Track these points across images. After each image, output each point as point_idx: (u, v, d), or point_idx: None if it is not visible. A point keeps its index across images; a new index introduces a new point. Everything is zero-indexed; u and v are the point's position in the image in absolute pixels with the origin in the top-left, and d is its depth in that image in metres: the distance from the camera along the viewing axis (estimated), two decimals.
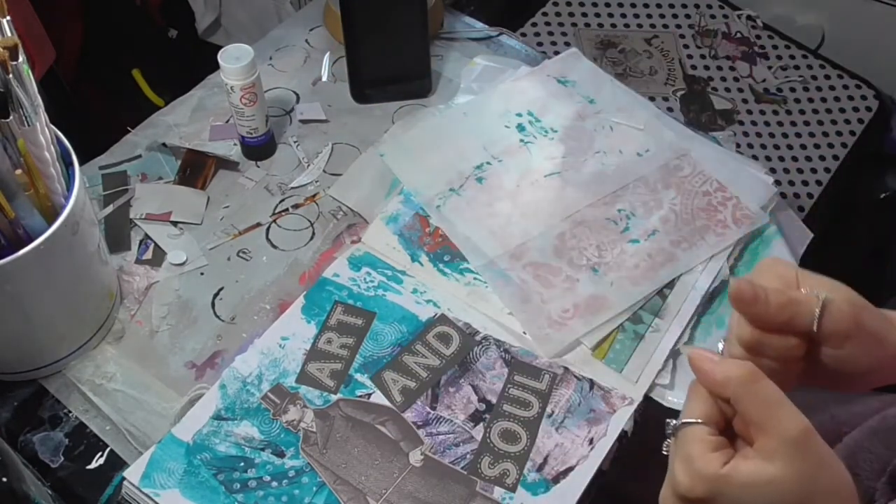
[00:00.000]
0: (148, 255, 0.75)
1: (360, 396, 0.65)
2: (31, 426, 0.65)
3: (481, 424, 0.65)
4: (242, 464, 0.61)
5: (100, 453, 0.64)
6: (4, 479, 0.50)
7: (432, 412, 0.65)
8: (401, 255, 0.74)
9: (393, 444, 0.63)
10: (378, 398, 0.65)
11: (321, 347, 0.68)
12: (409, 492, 0.61)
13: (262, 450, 0.62)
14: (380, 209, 0.77)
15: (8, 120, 0.55)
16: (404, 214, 0.76)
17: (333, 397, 0.65)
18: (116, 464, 0.64)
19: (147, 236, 0.76)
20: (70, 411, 0.66)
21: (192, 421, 0.63)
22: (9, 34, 0.55)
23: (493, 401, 0.66)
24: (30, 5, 1.03)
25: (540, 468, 0.63)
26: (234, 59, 0.75)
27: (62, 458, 0.64)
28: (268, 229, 0.78)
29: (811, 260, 0.79)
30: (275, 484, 0.61)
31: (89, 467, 0.64)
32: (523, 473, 0.62)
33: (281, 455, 0.62)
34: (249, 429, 0.63)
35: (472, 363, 0.68)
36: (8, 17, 0.56)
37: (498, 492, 0.61)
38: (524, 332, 0.69)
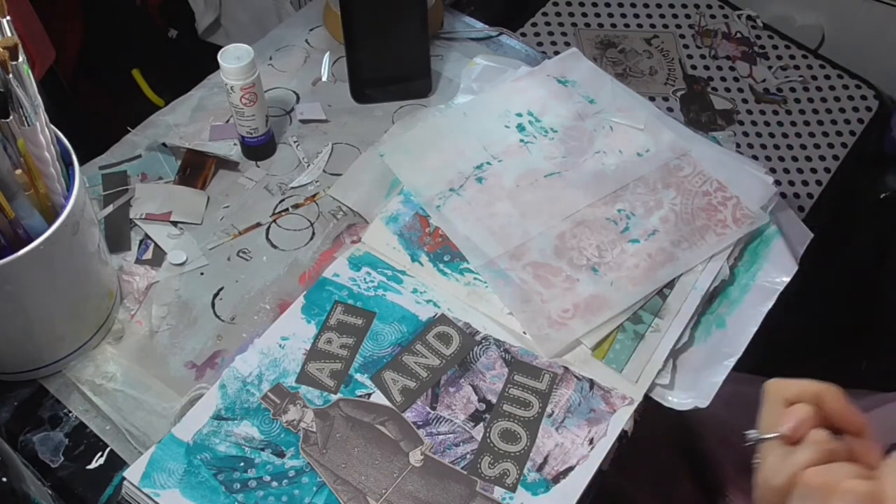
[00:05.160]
0: (148, 255, 0.75)
1: (360, 396, 0.65)
2: (31, 426, 0.65)
3: (481, 424, 0.65)
4: (242, 464, 0.61)
5: (100, 453, 0.64)
6: (4, 479, 0.50)
7: (432, 412, 0.65)
8: (401, 255, 0.74)
9: (393, 443, 0.63)
10: (378, 398, 0.65)
11: (321, 347, 0.68)
12: (409, 492, 0.61)
13: (262, 450, 0.62)
14: (380, 209, 0.77)
15: (8, 120, 0.55)
16: (404, 214, 0.76)
17: (333, 397, 0.65)
18: (116, 464, 0.64)
19: (147, 236, 0.76)
20: (70, 411, 0.66)
21: (192, 421, 0.63)
22: (9, 34, 0.55)
23: (493, 401, 0.66)
24: (30, 5, 1.03)
25: (540, 468, 0.63)
26: (234, 59, 0.75)
27: (62, 458, 0.64)
28: (268, 229, 0.78)
29: (811, 260, 0.79)
30: (275, 484, 0.61)
31: (89, 467, 0.64)
32: (523, 473, 0.62)
33: (281, 455, 0.62)
34: (249, 429, 0.63)
35: (472, 363, 0.68)
36: (8, 17, 0.56)
37: (498, 492, 0.61)
38: (524, 332, 0.69)
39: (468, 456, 0.63)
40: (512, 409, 0.65)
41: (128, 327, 0.71)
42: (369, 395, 0.65)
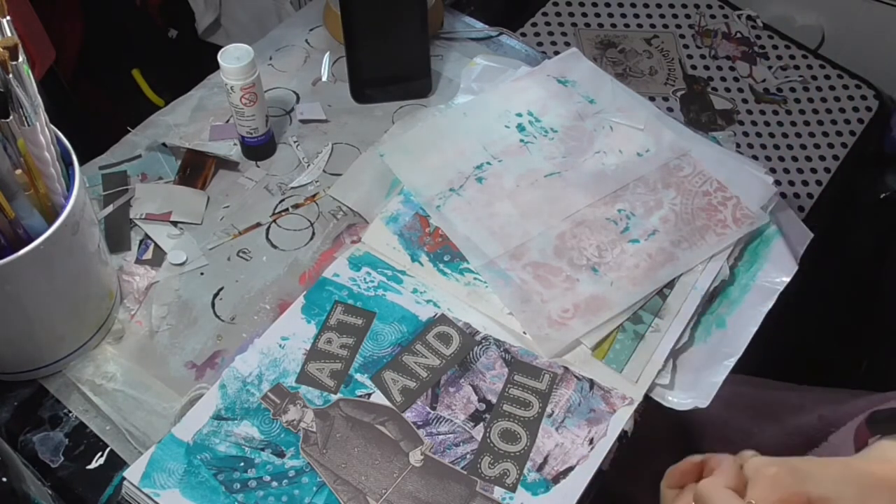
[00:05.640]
0: (148, 255, 0.75)
1: (360, 396, 0.65)
2: (31, 426, 0.65)
3: (481, 424, 0.65)
4: (242, 464, 0.61)
5: (100, 453, 0.64)
6: (4, 479, 0.50)
7: (432, 412, 0.65)
8: (401, 255, 0.74)
9: (393, 443, 0.63)
10: (378, 398, 0.65)
11: (321, 347, 0.68)
12: (409, 492, 0.61)
13: (262, 450, 0.62)
14: (380, 209, 0.77)
15: (8, 120, 0.55)
16: (404, 214, 0.76)
17: (333, 397, 0.65)
18: (116, 464, 0.64)
19: (147, 236, 0.76)
20: (70, 411, 0.66)
21: (192, 421, 0.63)
22: (9, 34, 0.55)
23: (493, 401, 0.66)
24: (30, 5, 1.03)
25: (540, 468, 0.63)
26: (234, 59, 0.75)
27: (62, 458, 0.64)
28: (268, 229, 0.78)
29: (811, 260, 0.79)
30: (275, 484, 0.61)
31: (89, 467, 0.64)
32: (523, 473, 0.62)
33: (281, 455, 0.62)
34: (249, 429, 0.63)
35: (472, 363, 0.68)
36: (8, 17, 0.56)
37: (498, 492, 0.61)
38: (524, 332, 0.69)
39: (468, 456, 0.63)
40: (512, 409, 0.65)
41: (128, 327, 0.71)
42: (369, 395, 0.65)
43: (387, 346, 0.68)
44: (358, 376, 0.66)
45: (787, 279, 0.74)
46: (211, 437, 0.62)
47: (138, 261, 0.75)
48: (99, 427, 0.65)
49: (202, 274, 0.74)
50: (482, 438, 0.64)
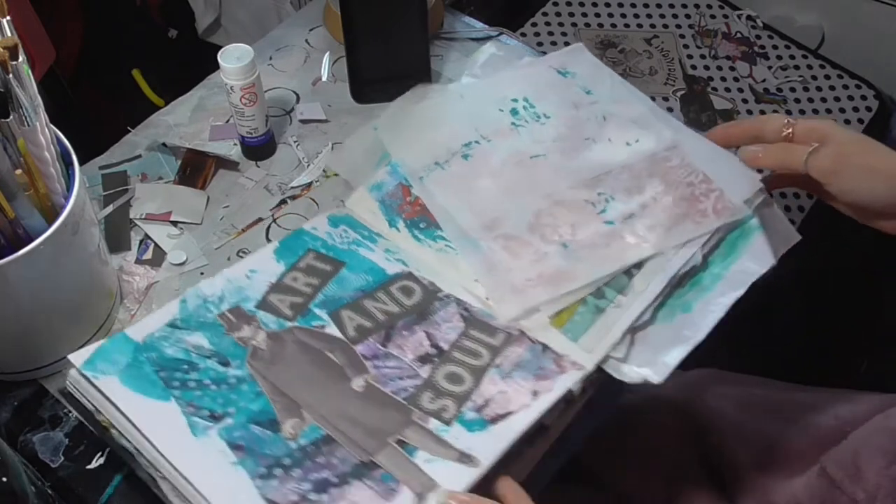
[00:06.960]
0: (148, 255, 0.75)
1: (315, 327, 0.65)
2: (31, 426, 0.65)
3: (429, 366, 0.64)
4: (186, 367, 0.60)
5: (100, 453, 0.64)
6: (4, 479, 0.51)
7: (382, 349, 0.64)
8: (380, 220, 0.73)
9: (338, 368, 0.62)
10: (332, 331, 0.65)
11: (286, 283, 0.67)
12: (346, 412, 0.60)
13: (209, 358, 0.61)
14: (367, 179, 0.77)
15: (8, 120, 0.55)
16: (388, 184, 0.75)
17: (289, 324, 0.65)
18: (116, 464, 0.64)
19: (147, 236, 0.76)
20: (70, 411, 0.66)
21: (146, 325, 0.62)
22: (9, 34, 0.56)
23: (445, 348, 0.65)
24: (30, 5, 1.03)
25: (480, 409, 0.62)
26: (234, 59, 0.75)
27: (62, 458, 0.64)
28: (268, 229, 0.78)
29: (812, 260, 0.78)
30: (214, 388, 0.60)
31: (89, 467, 0.64)
32: (462, 411, 0.61)
33: (226, 364, 0.61)
34: (201, 339, 0.62)
35: (431, 315, 0.67)
36: (8, 17, 0.56)
37: (434, 423, 0.60)
38: (487, 299, 0.69)
39: (410, 389, 0.62)
40: (462, 357, 0.65)
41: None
42: (324, 327, 0.65)
43: (350, 291, 0.67)
44: (316, 310, 0.65)
45: (762, 272, 0.72)
46: (161, 342, 0.61)
47: (138, 261, 0.75)
48: None
49: (202, 274, 0.74)
50: (427, 377, 0.63)
